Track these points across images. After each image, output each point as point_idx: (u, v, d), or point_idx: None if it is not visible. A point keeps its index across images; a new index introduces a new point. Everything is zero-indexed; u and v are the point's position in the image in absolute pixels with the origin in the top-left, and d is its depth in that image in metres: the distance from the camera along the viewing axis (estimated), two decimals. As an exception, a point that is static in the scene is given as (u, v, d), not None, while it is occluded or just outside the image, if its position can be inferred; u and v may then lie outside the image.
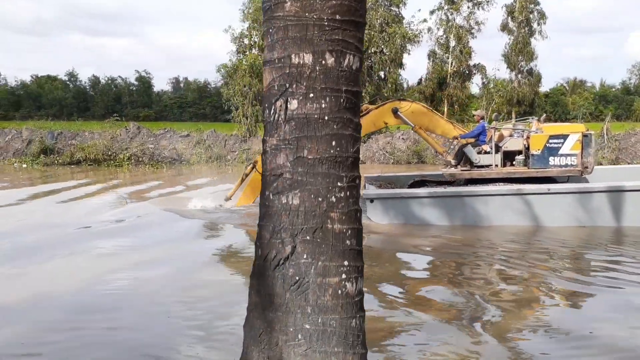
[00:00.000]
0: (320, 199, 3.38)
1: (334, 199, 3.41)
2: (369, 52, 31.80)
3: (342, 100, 3.43)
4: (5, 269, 8.58)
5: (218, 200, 14.70)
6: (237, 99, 33.08)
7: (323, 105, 3.38)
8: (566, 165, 11.91)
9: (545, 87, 46.41)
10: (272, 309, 3.41)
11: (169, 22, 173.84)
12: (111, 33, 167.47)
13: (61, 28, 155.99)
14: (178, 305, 6.86)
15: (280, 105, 3.43)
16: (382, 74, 32.41)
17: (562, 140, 11.87)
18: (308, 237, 3.37)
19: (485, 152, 12.65)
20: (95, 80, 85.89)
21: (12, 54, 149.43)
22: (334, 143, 3.41)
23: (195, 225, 12.38)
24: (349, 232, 3.45)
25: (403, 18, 33.43)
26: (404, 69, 33.09)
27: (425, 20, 34.44)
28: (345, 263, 3.41)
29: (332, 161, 3.40)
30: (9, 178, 23.05)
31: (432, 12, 35.54)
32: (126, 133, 31.72)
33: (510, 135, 13.08)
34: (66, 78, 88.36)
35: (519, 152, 12.62)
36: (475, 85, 39.94)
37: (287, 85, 3.40)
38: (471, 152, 12.65)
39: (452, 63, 36.70)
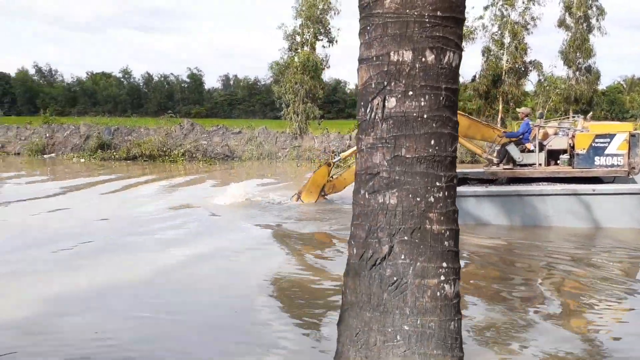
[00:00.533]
0: (418, 199, 3.33)
1: (432, 199, 3.35)
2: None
3: (441, 98, 3.37)
4: (67, 258, 8.94)
5: (262, 195, 14.96)
6: (288, 97, 33.19)
7: (422, 104, 3.33)
8: (612, 166, 11.49)
9: (602, 85, 44.89)
10: (369, 309, 3.37)
11: (221, 19, 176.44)
12: (164, 30, 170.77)
13: (117, 25, 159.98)
14: (237, 298, 6.95)
15: (378, 104, 3.38)
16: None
17: (608, 140, 11.46)
18: (406, 238, 3.32)
19: (529, 151, 12.35)
20: (148, 78, 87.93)
21: (69, 50, 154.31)
22: (432, 142, 3.35)
23: (239, 220, 12.50)
24: (447, 233, 3.39)
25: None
26: (457, 66, 32.42)
27: (481, 17, 33.78)
28: (444, 265, 3.35)
29: (430, 160, 3.34)
30: (69, 170, 23.83)
31: (486, 8, 34.69)
32: (180, 129, 32.29)
33: (556, 134, 12.71)
34: (120, 75, 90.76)
35: (564, 151, 12.22)
36: (530, 83, 38.90)
37: (385, 83, 3.35)
38: (514, 150, 12.35)
39: (507, 60, 35.85)
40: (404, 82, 3.32)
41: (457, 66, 3.46)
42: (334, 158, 14.79)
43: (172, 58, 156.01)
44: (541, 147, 12.22)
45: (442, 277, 3.32)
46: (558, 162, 12.28)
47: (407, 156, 3.33)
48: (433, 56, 3.32)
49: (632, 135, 11.51)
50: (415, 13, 3.27)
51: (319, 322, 6.08)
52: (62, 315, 6.25)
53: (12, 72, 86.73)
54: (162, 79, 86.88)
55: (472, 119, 13.82)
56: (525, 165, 12.26)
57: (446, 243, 3.36)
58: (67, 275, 7.96)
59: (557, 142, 12.38)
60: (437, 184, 3.35)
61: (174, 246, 9.78)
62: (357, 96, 3.55)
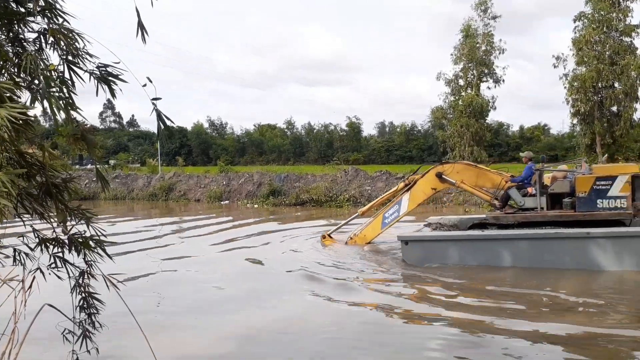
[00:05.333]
0: None
1: None
2: (598, 86, 29.39)
3: None
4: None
5: None
6: (453, 140, 32.68)
7: None
8: (615, 208, 11.29)
9: None
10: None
11: (378, 68, 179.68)
12: (325, 82, 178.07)
13: (281, 80, 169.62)
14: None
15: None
16: (614, 109, 29.63)
17: (610, 182, 11.32)
18: None
19: (531, 195, 12.48)
20: (309, 128, 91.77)
21: (238, 105, 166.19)
22: None
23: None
24: None
25: (637, 48, 30.40)
26: (640, 102, 29.87)
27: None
28: None
29: None
30: (253, 214, 25.19)
31: None
32: (345, 175, 32.96)
33: (565, 177, 12.49)
34: (284, 126, 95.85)
35: (567, 195, 12.15)
36: None
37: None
38: (516, 194, 12.66)
39: None
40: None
41: None
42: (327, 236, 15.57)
43: (332, 108, 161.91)
44: (545, 191, 12.32)
45: None
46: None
47: None
48: None
49: (636, 177, 11.39)
50: None
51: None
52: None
53: (189, 126, 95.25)
54: (323, 128, 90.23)
55: (481, 168, 14.47)
56: (527, 209, 12.42)
57: None
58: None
59: (560, 186, 12.34)
60: None
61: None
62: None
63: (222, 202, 33.18)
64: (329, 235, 15.65)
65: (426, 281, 10.86)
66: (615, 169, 11.98)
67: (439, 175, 13.99)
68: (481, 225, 13.14)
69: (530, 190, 12.54)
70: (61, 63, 3.80)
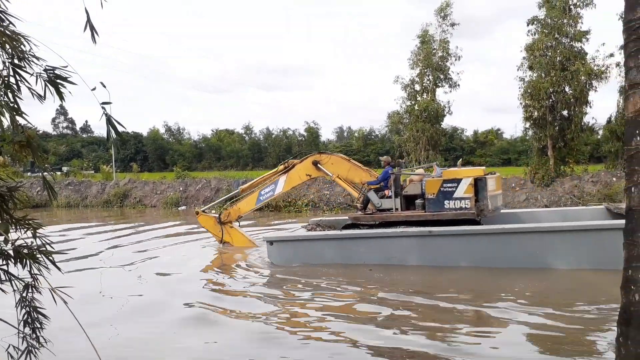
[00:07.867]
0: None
1: None
2: (550, 91, 30.13)
3: None
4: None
5: None
6: (409, 145, 32.96)
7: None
8: (461, 209, 12.03)
9: None
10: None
11: (338, 73, 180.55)
12: (285, 87, 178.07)
13: (240, 85, 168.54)
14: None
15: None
16: (565, 113, 30.35)
17: (455, 185, 12.08)
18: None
19: (387, 197, 13.18)
20: (268, 133, 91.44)
21: (196, 110, 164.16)
22: None
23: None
24: None
25: (586, 54, 31.24)
26: (590, 107, 30.63)
27: (612, 55, 31.86)
28: None
29: None
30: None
31: (622, 47, 32.27)
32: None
33: (420, 181, 13.14)
34: (242, 131, 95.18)
35: (420, 196, 12.83)
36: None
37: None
38: (374, 196, 13.33)
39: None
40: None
41: None
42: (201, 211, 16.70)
43: (290, 113, 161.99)
44: (398, 193, 13.09)
45: None
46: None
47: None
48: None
49: (478, 180, 12.17)
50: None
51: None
52: None
53: (145, 132, 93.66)
54: (281, 133, 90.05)
55: (352, 163, 15.01)
56: (384, 210, 13.16)
57: None
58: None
59: (412, 188, 13.21)
60: None
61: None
62: (626, 125, 3.28)
63: (179, 208, 32.67)
64: (202, 212, 16.45)
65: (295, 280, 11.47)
66: (461, 172, 12.61)
67: (315, 164, 14.73)
68: (354, 225, 13.65)
69: (387, 192, 13.25)
70: (6, 67, 3.65)
